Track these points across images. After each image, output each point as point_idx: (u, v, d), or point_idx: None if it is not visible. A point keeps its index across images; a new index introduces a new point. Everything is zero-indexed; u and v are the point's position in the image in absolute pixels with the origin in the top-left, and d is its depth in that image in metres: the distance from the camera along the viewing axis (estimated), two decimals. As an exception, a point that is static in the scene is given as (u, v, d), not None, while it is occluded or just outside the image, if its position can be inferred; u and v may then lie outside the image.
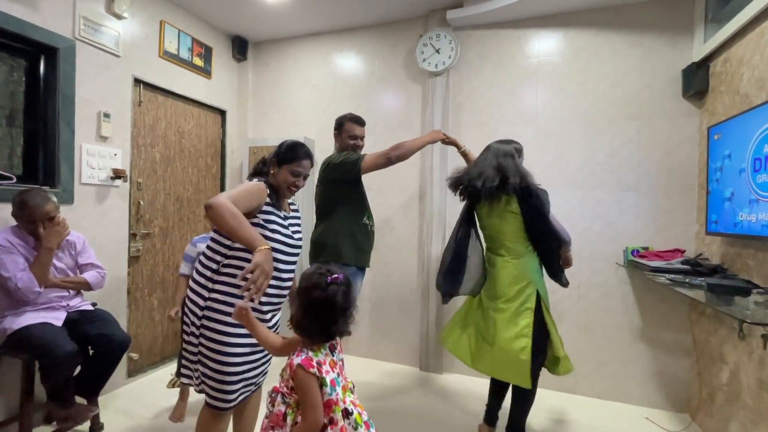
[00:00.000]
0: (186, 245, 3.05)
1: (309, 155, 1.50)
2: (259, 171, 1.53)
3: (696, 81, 2.24)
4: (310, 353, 1.09)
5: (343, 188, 2.06)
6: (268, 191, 1.42)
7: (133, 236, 2.58)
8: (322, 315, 1.09)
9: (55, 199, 1.84)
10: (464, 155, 2.22)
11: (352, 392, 1.17)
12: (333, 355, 1.14)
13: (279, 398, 1.13)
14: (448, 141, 2.21)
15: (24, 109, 2.12)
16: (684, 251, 2.24)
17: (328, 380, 1.06)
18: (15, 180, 1.98)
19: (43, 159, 2.15)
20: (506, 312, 1.79)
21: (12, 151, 2.09)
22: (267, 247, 1.22)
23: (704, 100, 2.30)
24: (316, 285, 1.09)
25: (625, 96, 2.50)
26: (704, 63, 2.25)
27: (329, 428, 1.05)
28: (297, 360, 1.06)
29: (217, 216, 1.21)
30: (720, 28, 2.06)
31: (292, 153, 1.47)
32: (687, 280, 1.83)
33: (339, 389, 1.09)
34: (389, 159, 1.97)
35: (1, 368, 1.84)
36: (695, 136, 2.36)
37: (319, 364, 1.07)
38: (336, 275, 1.11)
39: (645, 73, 2.46)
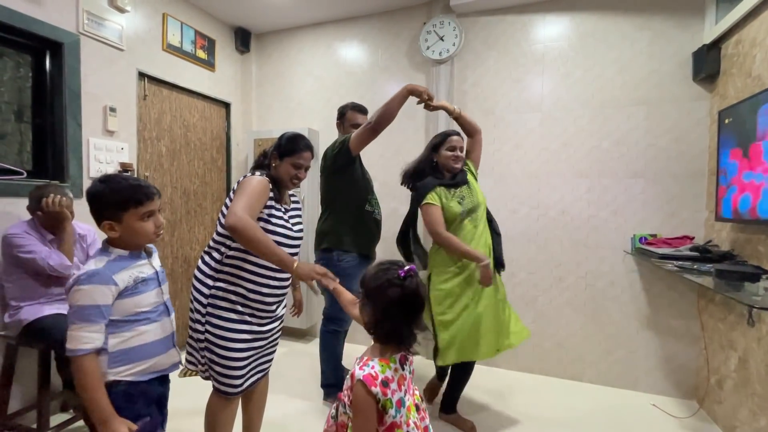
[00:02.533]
0: (193, 238, 3.10)
1: (309, 147, 1.51)
2: (261, 164, 1.53)
3: (707, 64, 2.18)
4: (377, 367, 0.94)
5: (343, 177, 2.07)
6: (271, 185, 1.43)
7: (141, 229, 2.62)
8: (407, 312, 0.97)
9: (71, 195, 1.87)
10: (458, 119, 2.03)
11: (418, 410, 1.03)
12: (403, 369, 0.99)
13: (341, 408, 1.00)
14: (432, 106, 1.93)
15: (31, 104, 2.15)
16: (693, 238, 2.21)
17: (393, 401, 0.93)
18: (25, 175, 2.01)
19: (52, 154, 2.18)
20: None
21: (21, 147, 2.12)
22: (297, 264, 1.29)
23: (715, 83, 2.25)
24: (389, 282, 0.97)
25: (632, 81, 2.45)
26: (715, 45, 2.19)
27: None
28: (360, 374, 0.92)
29: (244, 241, 1.29)
30: (732, 8, 2.00)
31: (293, 145, 1.48)
32: (696, 266, 1.81)
33: (404, 410, 0.95)
34: (373, 128, 1.90)
35: (19, 358, 1.89)
36: (705, 120, 2.31)
37: (385, 382, 0.92)
38: (407, 266, 0.99)
39: (653, 57, 2.40)
